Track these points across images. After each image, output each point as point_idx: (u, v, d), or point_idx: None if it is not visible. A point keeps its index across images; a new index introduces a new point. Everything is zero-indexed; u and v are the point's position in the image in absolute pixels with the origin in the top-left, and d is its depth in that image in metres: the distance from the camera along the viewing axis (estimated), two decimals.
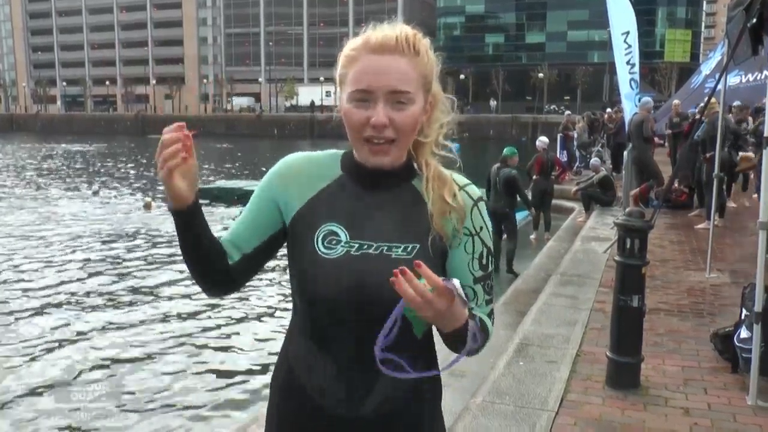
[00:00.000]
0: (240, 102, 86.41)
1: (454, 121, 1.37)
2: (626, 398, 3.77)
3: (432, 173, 1.33)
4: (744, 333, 3.94)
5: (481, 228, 1.34)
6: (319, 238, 1.29)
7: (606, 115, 19.45)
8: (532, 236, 10.97)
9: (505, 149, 9.50)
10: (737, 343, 4.00)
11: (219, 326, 7.64)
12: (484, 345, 1.31)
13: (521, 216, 10.88)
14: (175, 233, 1.28)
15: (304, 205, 1.32)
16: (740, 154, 9.41)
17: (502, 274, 8.81)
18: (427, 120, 1.32)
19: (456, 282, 1.12)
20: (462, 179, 1.37)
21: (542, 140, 11.53)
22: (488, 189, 9.37)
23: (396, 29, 1.25)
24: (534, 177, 11.02)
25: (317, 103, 69.99)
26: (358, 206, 1.31)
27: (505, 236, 9.40)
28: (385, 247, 1.28)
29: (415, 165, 1.35)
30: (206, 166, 31.92)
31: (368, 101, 1.23)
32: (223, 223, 14.99)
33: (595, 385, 3.96)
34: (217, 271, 1.33)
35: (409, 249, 1.28)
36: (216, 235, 1.32)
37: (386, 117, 1.23)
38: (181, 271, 10.23)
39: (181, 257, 1.31)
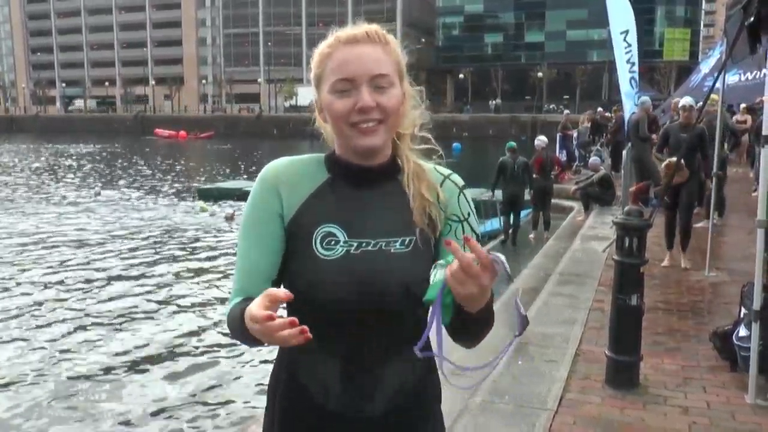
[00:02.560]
0: (80, 104, 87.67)
1: (424, 115, 1.38)
2: (625, 397, 3.77)
3: (411, 169, 1.34)
4: (743, 331, 3.94)
5: (469, 214, 1.36)
6: (317, 241, 1.27)
7: (598, 115, 19.43)
8: (531, 235, 11.00)
9: (508, 143, 10.86)
10: (736, 342, 4.00)
11: (216, 324, 7.63)
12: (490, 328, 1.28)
13: (522, 215, 11.31)
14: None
15: (297, 210, 1.31)
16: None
17: (508, 256, 9.14)
18: (401, 113, 1.33)
19: (501, 257, 1.12)
20: (444, 170, 1.39)
21: (541, 139, 11.56)
22: (497, 179, 10.59)
23: (362, 27, 1.29)
24: (533, 176, 11.05)
25: None
26: (352, 205, 1.31)
27: (512, 219, 10.74)
28: (384, 243, 1.28)
29: (399, 161, 1.35)
30: (206, 167, 31.93)
31: (351, 90, 1.25)
32: (219, 225, 14.98)
33: (594, 384, 3.96)
34: None
35: (407, 242, 1.29)
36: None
37: (372, 100, 1.24)
38: (180, 273, 10.27)
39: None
